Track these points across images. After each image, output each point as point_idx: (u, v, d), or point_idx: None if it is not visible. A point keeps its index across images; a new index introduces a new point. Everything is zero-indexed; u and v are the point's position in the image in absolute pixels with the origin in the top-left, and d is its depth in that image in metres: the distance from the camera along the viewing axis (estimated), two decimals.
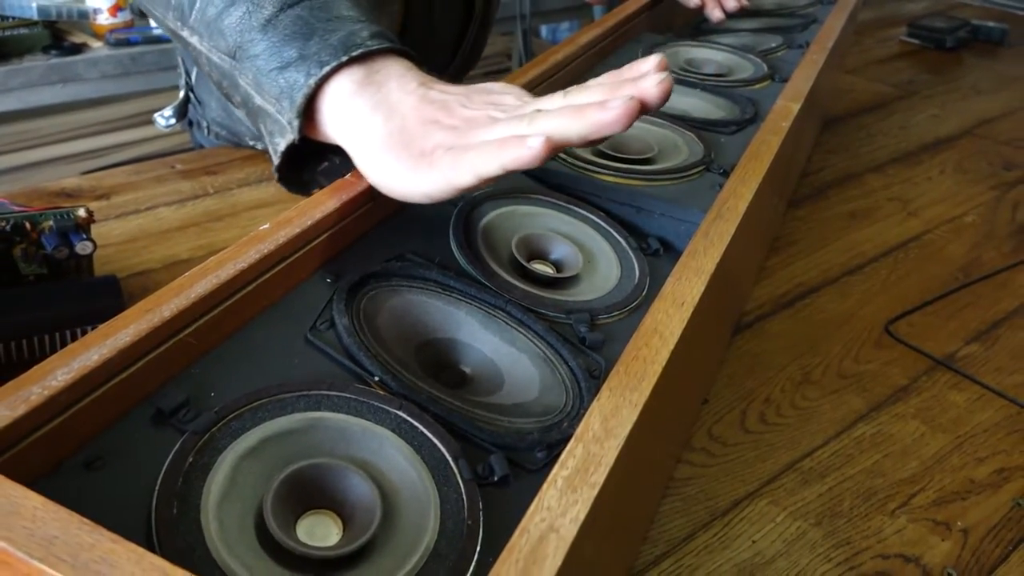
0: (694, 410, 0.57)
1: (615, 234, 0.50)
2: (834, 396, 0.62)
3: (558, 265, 0.48)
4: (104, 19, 1.35)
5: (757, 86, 0.70)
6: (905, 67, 1.38)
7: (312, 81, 0.43)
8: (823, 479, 0.55)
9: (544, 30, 2.94)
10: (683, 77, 0.70)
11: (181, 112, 0.96)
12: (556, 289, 0.46)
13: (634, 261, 0.48)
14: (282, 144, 0.45)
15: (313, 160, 0.49)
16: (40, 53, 1.28)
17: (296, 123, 0.44)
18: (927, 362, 0.67)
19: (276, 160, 0.46)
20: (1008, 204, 0.93)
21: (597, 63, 0.72)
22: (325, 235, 0.41)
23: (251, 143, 0.92)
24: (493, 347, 0.40)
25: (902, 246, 0.83)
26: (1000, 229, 0.87)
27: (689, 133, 0.59)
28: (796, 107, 0.58)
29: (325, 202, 0.41)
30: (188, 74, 0.95)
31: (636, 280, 0.47)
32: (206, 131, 0.96)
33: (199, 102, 0.95)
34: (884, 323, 0.71)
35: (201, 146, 0.99)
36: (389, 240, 0.44)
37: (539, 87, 0.62)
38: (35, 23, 1.28)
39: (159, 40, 1.37)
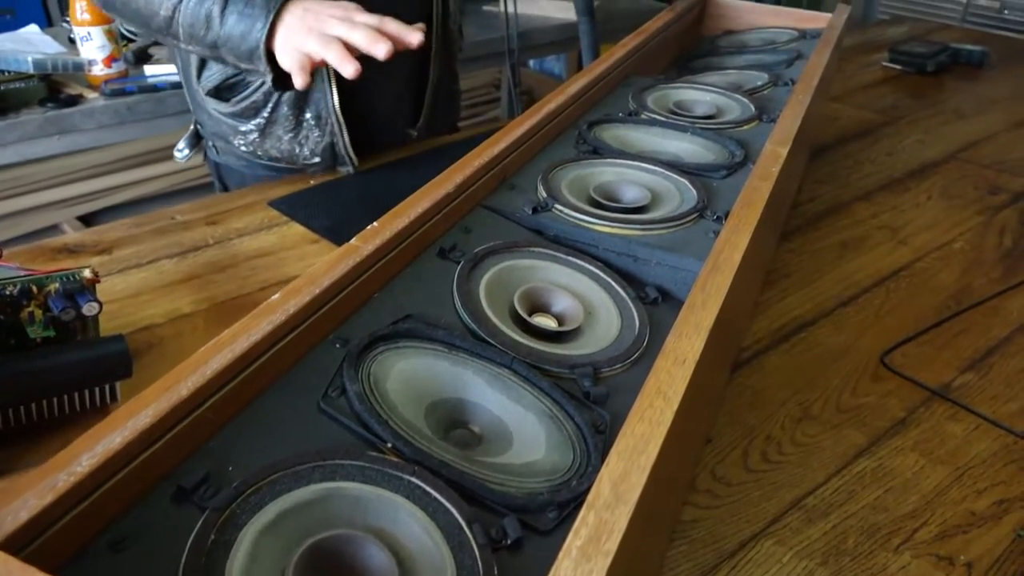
0: (699, 452, 0.58)
1: (614, 284, 0.51)
2: (834, 431, 0.63)
3: (560, 318, 0.49)
4: (99, 70, 1.37)
5: (746, 127, 0.72)
6: (888, 93, 1.40)
7: (261, 44, 0.78)
8: (827, 517, 0.56)
9: (532, 61, 2.98)
10: (674, 121, 0.71)
11: (193, 142, 1.08)
12: (559, 343, 0.47)
13: (634, 311, 0.49)
14: (269, 79, 0.81)
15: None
16: (37, 106, 1.30)
17: (266, 68, 0.80)
18: (924, 393, 0.68)
19: (268, 84, 0.82)
20: (995, 229, 0.94)
21: (588, 109, 0.74)
22: (334, 301, 0.42)
23: (236, 142, 1.02)
24: (501, 405, 0.41)
25: (894, 275, 0.85)
26: (988, 255, 0.89)
27: (682, 179, 0.60)
28: (784, 151, 0.60)
29: (333, 269, 0.42)
30: (192, 108, 1.06)
31: (636, 331, 0.48)
32: (214, 150, 1.07)
33: (201, 126, 1.06)
34: (880, 354, 0.72)
35: (216, 164, 1.10)
36: (396, 301, 0.45)
37: (534, 138, 0.64)
38: (31, 76, 1.30)
39: (154, 89, 1.39)
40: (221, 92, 0.97)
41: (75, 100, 1.31)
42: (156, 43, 1.61)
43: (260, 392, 0.38)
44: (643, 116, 0.72)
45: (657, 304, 0.51)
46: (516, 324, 0.47)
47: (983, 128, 1.25)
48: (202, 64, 0.96)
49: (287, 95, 0.94)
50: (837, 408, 0.66)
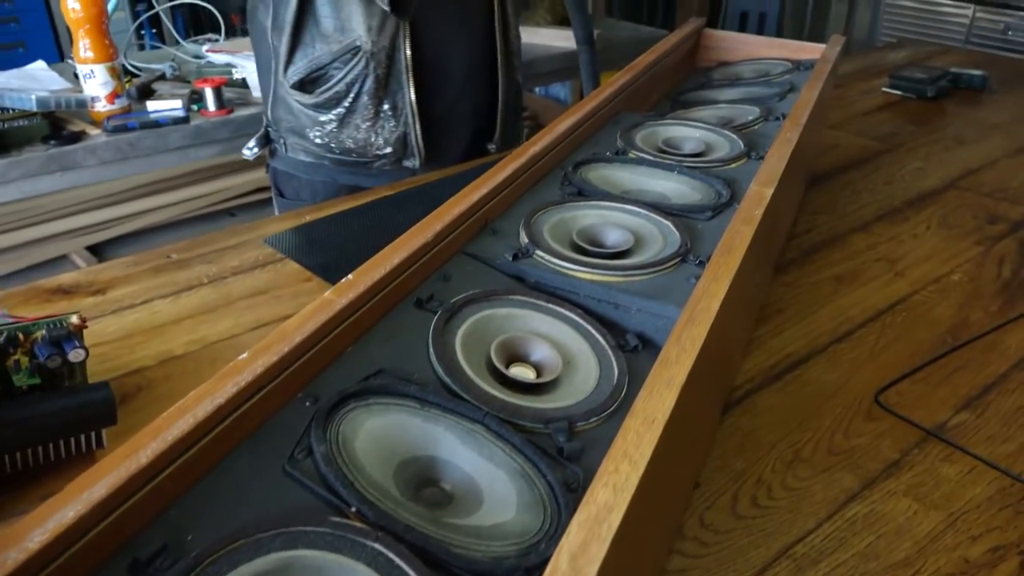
0: (684, 499, 0.57)
1: (594, 332, 0.51)
2: (825, 475, 0.62)
3: (538, 368, 0.49)
4: (102, 106, 1.39)
5: (734, 165, 0.72)
6: (888, 119, 1.40)
7: None
8: (816, 565, 0.55)
9: (537, 88, 2.99)
10: (660, 160, 0.71)
11: (263, 142, 1.16)
12: (536, 395, 0.46)
13: (613, 361, 0.49)
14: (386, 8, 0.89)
15: None
16: (39, 143, 1.31)
17: None
18: (918, 433, 0.67)
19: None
20: (994, 260, 0.93)
21: (576, 148, 0.74)
22: (304, 358, 0.41)
23: (312, 134, 1.08)
24: (472, 463, 0.41)
25: (889, 309, 0.84)
26: (986, 287, 0.88)
27: (666, 221, 0.60)
28: (769, 192, 0.59)
29: (304, 325, 0.42)
30: (266, 111, 1.13)
31: (615, 381, 0.47)
32: (284, 148, 1.13)
33: (275, 124, 1.12)
34: (874, 393, 0.71)
35: (275, 170, 1.18)
36: (370, 356, 0.45)
37: (518, 181, 0.63)
38: (34, 114, 1.32)
39: (156, 124, 1.40)
40: (305, 85, 1.05)
41: (77, 137, 1.33)
42: (160, 78, 1.63)
43: (225, 455, 0.37)
44: (630, 155, 0.72)
45: (638, 352, 0.51)
46: (493, 376, 0.47)
47: (983, 154, 1.24)
48: (290, 57, 1.04)
49: (367, 87, 1.02)
50: (829, 450, 0.65)
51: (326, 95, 1.04)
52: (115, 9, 1.57)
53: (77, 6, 1.33)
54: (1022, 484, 0.61)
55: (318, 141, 1.09)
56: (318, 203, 1.10)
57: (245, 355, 0.40)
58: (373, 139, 1.07)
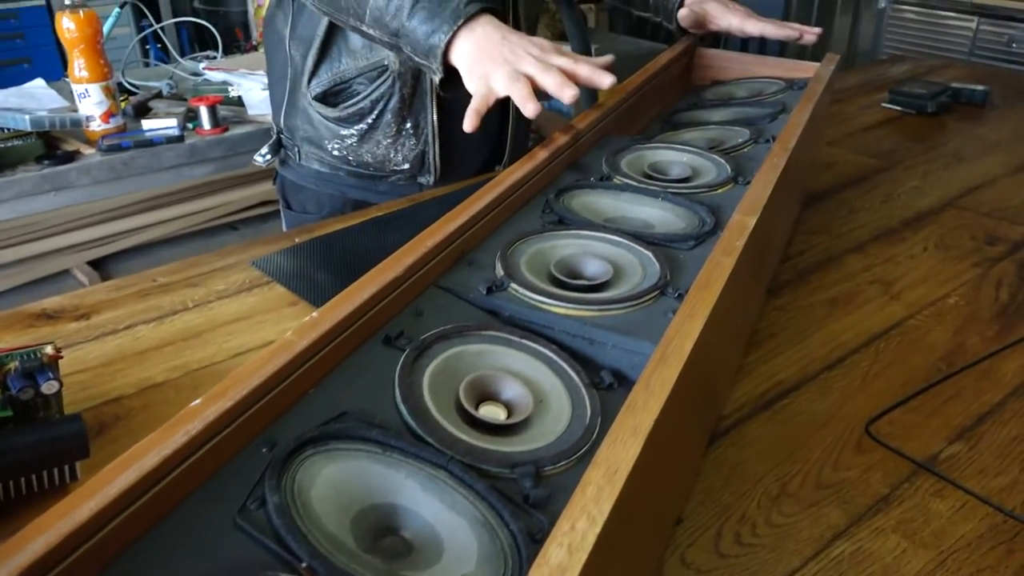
0: (663, 537, 0.56)
1: (568, 369, 0.49)
2: (812, 510, 0.61)
3: (509, 407, 0.47)
4: (97, 125, 1.39)
5: (720, 190, 0.70)
6: (887, 135, 1.38)
7: (442, 45, 0.79)
8: None
9: None
10: (645, 185, 0.70)
11: (275, 149, 1.15)
12: (505, 436, 0.45)
13: (586, 399, 0.47)
14: (437, 79, 0.82)
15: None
16: (33, 163, 1.31)
17: (438, 67, 0.80)
18: (909, 466, 0.65)
19: (437, 80, 0.83)
20: (991, 282, 0.92)
21: (560, 174, 0.73)
22: (261, 403, 0.40)
23: (330, 146, 1.08)
24: (434, 511, 0.40)
25: (883, 334, 0.82)
26: (983, 311, 0.86)
27: (646, 252, 0.59)
28: (753, 221, 0.58)
29: (261, 368, 0.41)
30: (277, 120, 1.13)
31: (587, 421, 0.46)
32: (297, 156, 1.12)
33: (290, 132, 1.11)
34: (865, 423, 0.70)
35: (283, 180, 1.17)
36: (333, 397, 0.44)
37: (497, 209, 0.62)
38: (29, 134, 1.32)
39: (151, 143, 1.40)
40: (327, 97, 1.04)
41: (71, 157, 1.33)
42: (157, 96, 1.63)
43: (176, 506, 0.36)
44: (615, 180, 0.71)
45: (613, 390, 0.49)
46: (461, 417, 0.46)
47: (983, 172, 1.22)
48: (315, 70, 1.03)
49: (392, 104, 1.02)
50: (817, 484, 0.63)
51: (350, 110, 1.04)
52: (112, 28, 1.57)
53: (72, 26, 1.33)
54: (1015, 520, 0.59)
55: (336, 153, 1.09)
56: (322, 218, 1.10)
57: (198, 401, 0.38)
58: (392, 155, 1.07)
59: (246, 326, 0.85)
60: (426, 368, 0.47)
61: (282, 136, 1.14)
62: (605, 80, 0.73)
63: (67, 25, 1.33)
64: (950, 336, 0.82)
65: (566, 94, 0.70)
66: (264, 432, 0.41)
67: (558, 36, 2.01)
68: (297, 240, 1.01)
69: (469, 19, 0.78)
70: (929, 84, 1.50)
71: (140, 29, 3.30)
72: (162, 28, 3.25)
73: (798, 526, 0.59)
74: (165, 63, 2.20)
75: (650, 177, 0.73)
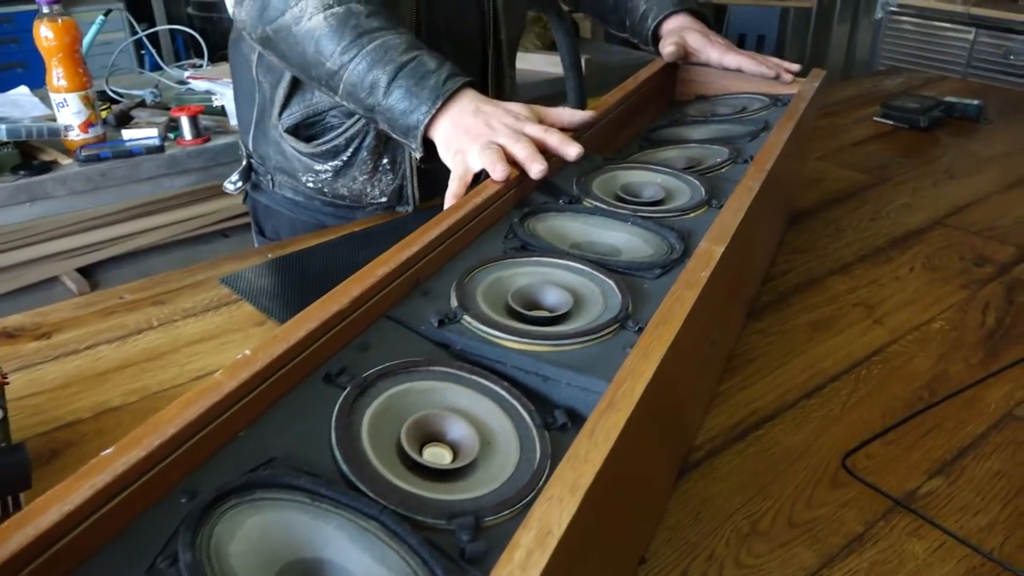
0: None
1: (519, 408, 0.47)
2: (783, 550, 0.58)
3: (455, 448, 0.45)
4: (75, 135, 1.37)
5: (693, 214, 0.68)
6: (878, 150, 1.36)
7: (421, 127, 0.78)
8: None
9: None
10: (615, 209, 0.67)
11: (245, 175, 1.12)
12: (448, 481, 0.43)
13: (536, 441, 0.45)
14: (417, 156, 0.81)
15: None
16: (9, 173, 1.29)
17: (418, 147, 0.80)
18: (885, 502, 0.63)
19: (417, 157, 0.82)
20: (978, 306, 0.89)
21: (529, 195, 0.71)
22: (182, 449, 0.38)
23: (304, 179, 1.05)
24: (363, 568, 0.37)
25: (865, 360, 0.80)
26: (969, 336, 0.84)
27: (609, 281, 0.56)
28: (720, 250, 0.56)
29: (184, 412, 0.39)
30: (246, 142, 1.10)
31: (535, 466, 0.44)
32: (270, 184, 1.09)
33: (261, 159, 1.08)
34: (841, 456, 0.67)
35: (255, 204, 1.14)
36: (264, 441, 0.42)
37: (459, 234, 0.60)
38: (5, 144, 1.30)
39: (130, 154, 1.38)
40: (300, 131, 1.01)
41: (48, 167, 1.31)
42: (141, 104, 1.61)
43: (81, 563, 0.34)
44: (585, 203, 0.69)
45: (566, 430, 0.47)
46: (402, 461, 0.43)
47: (974, 189, 1.20)
48: (286, 102, 1.00)
49: (367, 142, 0.99)
50: (789, 521, 0.61)
51: (324, 147, 1.00)
52: (95, 35, 1.55)
53: (50, 35, 1.31)
54: (993, 563, 0.57)
55: (311, 185, 1.05)
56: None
57: (110, 450, 0.36)
58: (369, 190, 1.04)
59: (211, 347, 0.83)
60: (367, 408, 0.45)
61: (252, 162, 1.11)
62: (571, 151, 0.72)
63: (45, 34, 1.31)
64: (934, 363, 0.80)
65: (534, 169, 0.69)
66: (185, 480, 0.39)
67: (548, 45, 1.99)
68: (270, 256, 0.99)
69: (449, 98, 0.77)
70: (922, 98, 1.48)
71: (136, 35, 3.29)
72: (154, 34, 3.24)
73: (767, 567, 0.57)
74: (160, 69, 2.19)
75: (622, 199, 0.71)
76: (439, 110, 0.77)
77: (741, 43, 3.66)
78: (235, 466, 0.40)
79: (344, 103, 0.85)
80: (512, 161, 0.70)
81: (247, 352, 0.43)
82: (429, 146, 0.80)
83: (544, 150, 0.72)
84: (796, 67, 1.05)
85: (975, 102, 1.48)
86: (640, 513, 0.52)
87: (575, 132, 0.78)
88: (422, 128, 0.78)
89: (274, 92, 0.99)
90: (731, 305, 0.73)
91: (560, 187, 0.72)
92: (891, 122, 1.46)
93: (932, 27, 2.81)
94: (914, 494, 0.63)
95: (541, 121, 0.77)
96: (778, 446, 0.68)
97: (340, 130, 0.99)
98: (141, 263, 2.73)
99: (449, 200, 0.73)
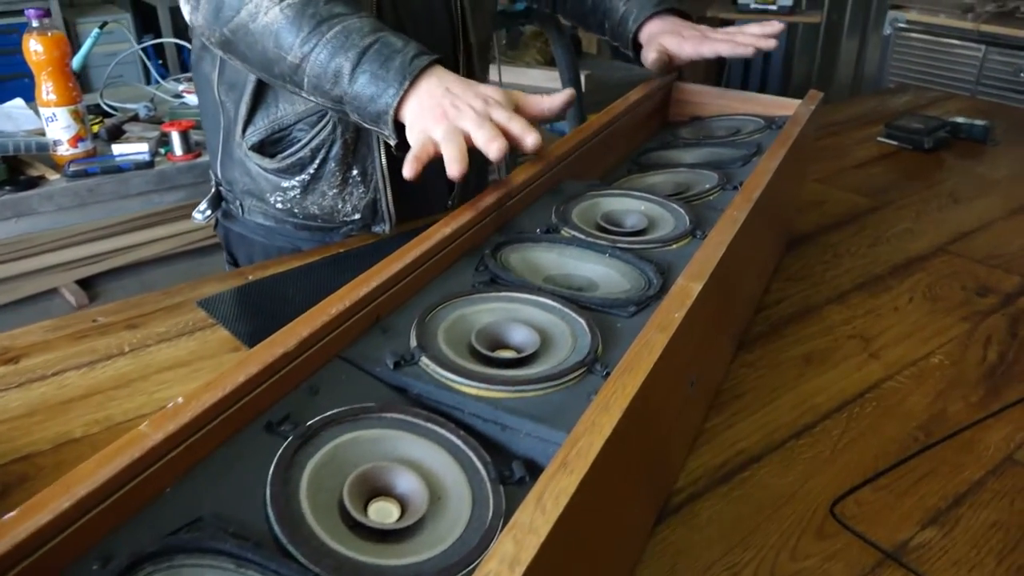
0: None
1: (475, 460, 0.44)
2: None
3: (403, 503, 0.42)
4: (64, 150, 1.35)
5: (675, 245, 0.65)
6: (880, 172, 1.33)
7: (391, 111, 0.74)
8: None
9: None
10: (593, 240, 0.65)
11: (215, 203, 1.08)
12: (391, 543, 0.40)
13: (490, 497, 0.42)
14: (392, 143, 0.77)
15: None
16: None
17: (391, 133, 0.76)
18: (875, 554, 0.59)
19: (392, 145, 0.78)
20: (980, 339, 0.86)
21: (507, 221, 0.68)
22: (96, 510, 0.35)
23: (272, 199, 1.01)
24: None
25: (858, 398, 0.76)
26: (969, 372, 0.80)
27: (580, 319, 0.53)
28: (698, 287, 0.52)
29: (100, 469, 0.36)
30: (214, 168, 1.06)
31: (487, 525, 0.41)
32: (240, 210, 1.05)
33: (229, 185, 1.04)
34: (830, 502, 0.64)
35: (226, 232, 1.09)
36: (193, 499, 0.39)
37: (424, 267, 0.57)
38: None
39: (119, 169, 1.36)
40: (265, 147, 0.97)
41: (35, 182, 1.29)
42: (134, 119, 1.60)
43: None
44: (563, 233, 0.66)
45: (523, 484, 0.44)
46: (343, 519, 0.40)
47: (979, 215, 1.16)
48: (249, 118, 0.96)
49: (334, 152, 0.95)
50: (771, 575, 0.57)
51: (289, 160, 0.96)
52: (90, 48, 1.54)
53: (40, 48, 1.29)
54: None
55: (280, 206, 1.01)
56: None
57: (13, 514, 0.33)
58: (340, 206, 1.00)
59: (182, 374, 0.80)
60: (309, 459, 0.42)
61: (221, 189, 1.07)
62: (529, 140, 0.69)
63: (34, 48, 1.29)
64: (931, 401, 0.76)
65: (492, 148, 0.66)
66: (101, 544, 0.36)
67: (548, 61, 1.97)
68: (251, 278, 0.97)
69: (416, 77, 0.74)
70: (927, 119, 1.45)
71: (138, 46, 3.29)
72: (161, 46, 3.23)
73: None
74: (164, 79, 2.17)
75: (603, 228, 0.68)
76: (407, 91, 0.73)
77: (748, 60, 3.63)
78: (159, 526, 0.37)
79: (312, 99, 0.81)
80: (473, 149, 0.67)
81: (179, 400, 0.41)
82: (402, 132, 0.76)
83: (508, 136, 0.69)
84: (775, 28, 0.99)
85: (982, 123, 1.44)
86: (605, 571, 0.49)
87: (570, 150, 0.76)
88: (391, 112, 0.74)
89: (237, 110, 0.96)
90: (717, 339, 0.70)
91: (538, 215, 0.69)
92: (895, 143, 1.43)
93: (941, 44, 2.78)
94: (906, 546, 0.60)
95: (517, 108, 0.73)
96: (764, 490, 0.65)
97: (304, 141, 0.95)
98: (143, 274, 2.72)
99: (409, 163, 0.69)
